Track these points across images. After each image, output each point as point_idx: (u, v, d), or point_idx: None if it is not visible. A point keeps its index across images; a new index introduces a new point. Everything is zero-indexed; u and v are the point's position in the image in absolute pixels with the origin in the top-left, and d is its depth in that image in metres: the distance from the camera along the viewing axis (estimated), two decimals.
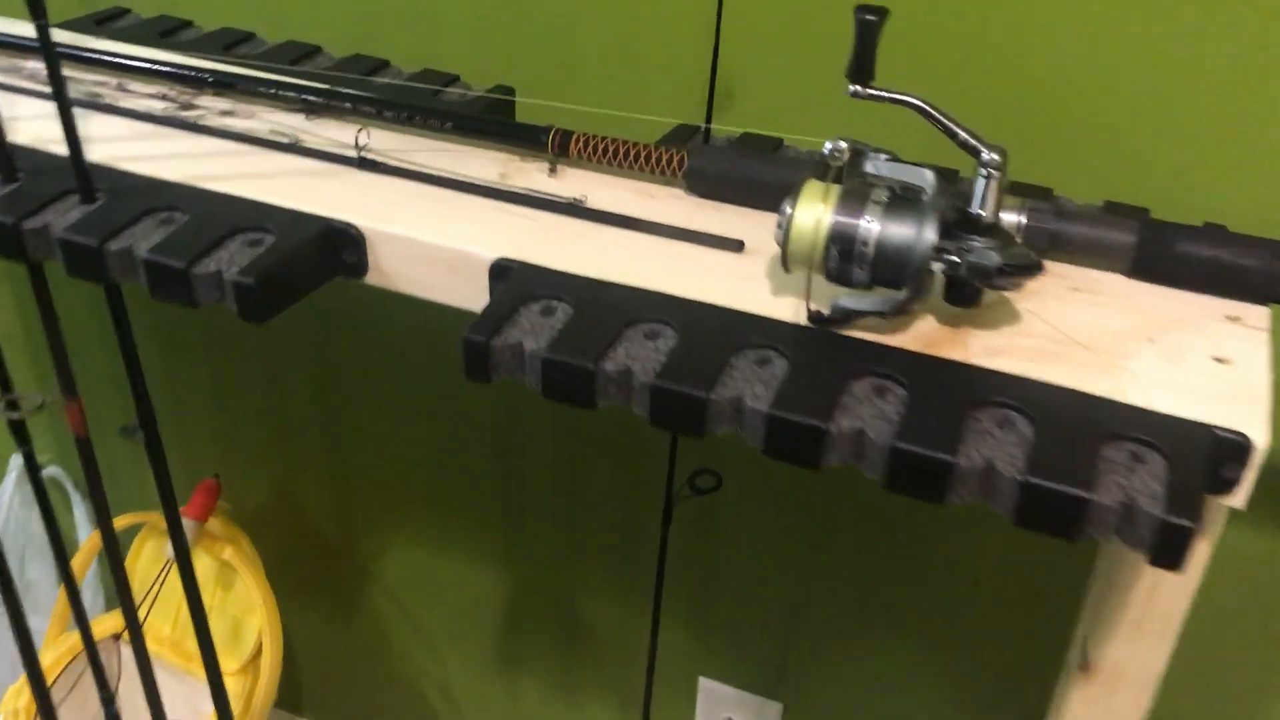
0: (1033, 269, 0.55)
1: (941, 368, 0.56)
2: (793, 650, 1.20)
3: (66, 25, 0.89)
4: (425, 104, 0.75)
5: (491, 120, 0.73)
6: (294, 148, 0.73)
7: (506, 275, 0.62)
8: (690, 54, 0.89)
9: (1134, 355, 0.57)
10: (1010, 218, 0.63)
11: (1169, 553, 0.49)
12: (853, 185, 0.56)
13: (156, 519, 1.34)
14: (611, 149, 0.69)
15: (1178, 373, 0.56)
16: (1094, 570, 0.71)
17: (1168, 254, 0.61)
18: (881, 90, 0.56)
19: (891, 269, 0.55)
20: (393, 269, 0.66)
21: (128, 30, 0.89)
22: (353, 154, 0.71)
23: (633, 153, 0.69)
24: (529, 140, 0.71)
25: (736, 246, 0.64)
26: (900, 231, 0.55)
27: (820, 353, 0.57)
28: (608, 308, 0.59)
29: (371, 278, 0.67)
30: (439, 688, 1.46)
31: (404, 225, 0.65)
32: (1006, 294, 0.61)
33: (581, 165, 0.72)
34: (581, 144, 0.70)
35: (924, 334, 0.58)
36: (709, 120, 0.74)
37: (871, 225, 0.55)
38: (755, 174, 0.67)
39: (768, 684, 1.24)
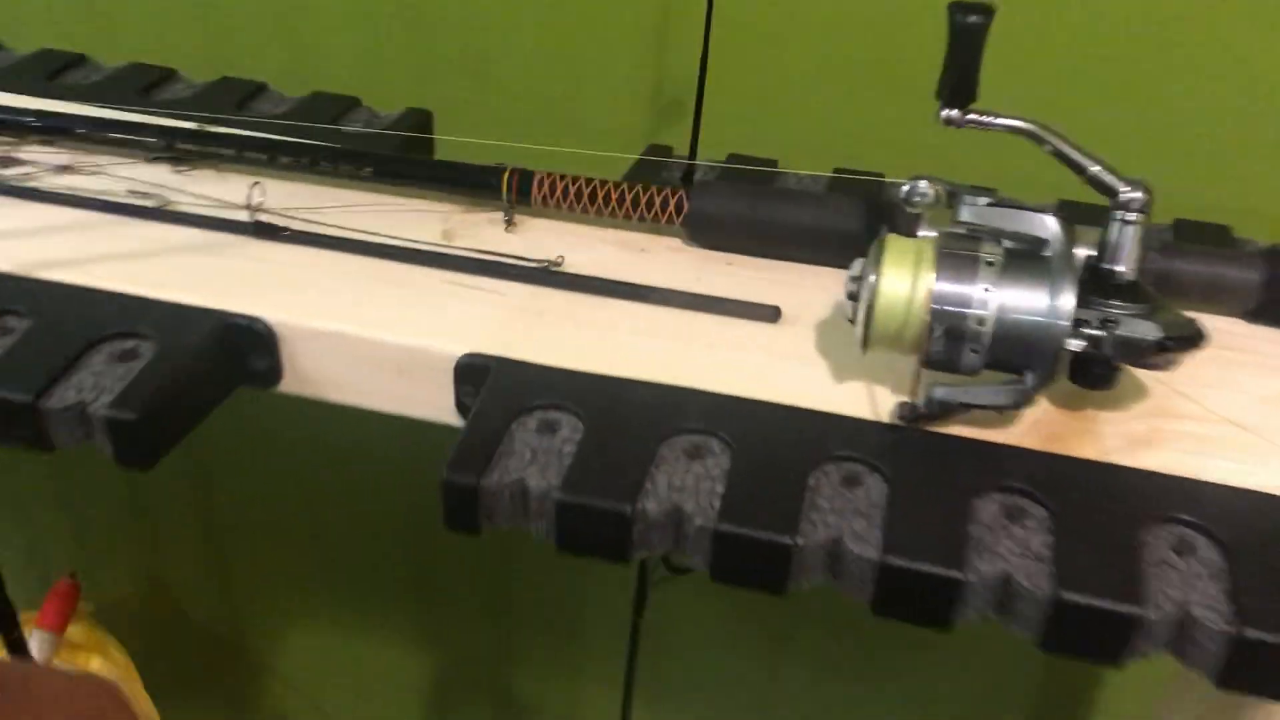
0: (1196, 340, 0.42)
1: (1080, 473, 0.43)
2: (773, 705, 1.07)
3: None
4: (332, 143, 0.58)
5: (425, 163, 0.57)
6: (163, 213, 0.55)
7: (480, 378, 0.47)
8: (632, 60, 0.74)
9: None
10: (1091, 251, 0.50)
11: None
12: (952, 241, 0.43)
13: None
14: (588, 192, 0.54)
15: None
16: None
17: None
18: (987, 115, 0.42)
19: (1016, 350, 0.42)
20: (317, 374, 0.50)
21: None
22: (245, 217, 0.54)
23: (615, 196, 0.54)
24: (477, 185, 0.56)
25: (771, 315, 0.50)
26: (1027, 301, 0.41)
27: (924, 464, 0.43)
28: (629, 418, 0.44)
29: (288, 386, 0.51)
30: None
31: (329, 315, 0.49)
32: None
33: (544, 214, 0.56)
34: (547, 187, 0.54)
35: (1042, 425, 0.45)
36: (695, 144, 0.59)
37: (988, 295, 0.41)
38: (777, 217, 0.53)
39: None
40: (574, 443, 0.43)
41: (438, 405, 0.48)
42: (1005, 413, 0.44)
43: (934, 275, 0.42)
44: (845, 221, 0.52)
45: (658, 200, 0.54)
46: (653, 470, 0.42)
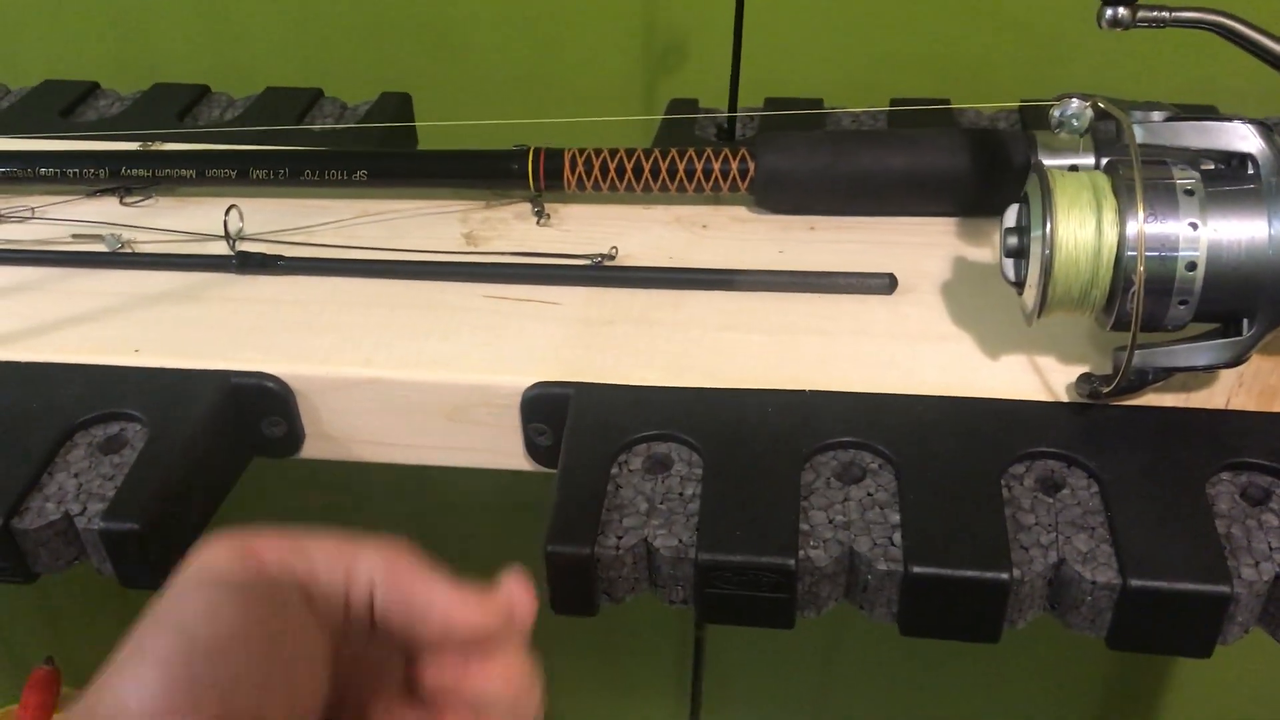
0: None
1: None
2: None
3: None
4: (313, 149, 0.48)
5: (433, 155, 0.47)
6: (122, 257, 0.45)
7: (555, 412, 0.38)
8: (616, 10, 0.65)
9: None
10: None
11: None
12: (1140, 173, 0.34)
13: None
14: (631, 165, 0.45)
15: None
16: None
17: None
18: (1163, 9, 0.34)
19: (1235, 295, 0.34)
20: (347, 432, 0.40)
21: None
22: (225, 249, 0.44)
23: (665, 166, 0.45)
24: (496, 175, 0.46)
25: (887, 285, 0.41)
26: (1244, 233, 0.33)
27: (1132, 450, 0.35)
28: (756, 440, 0.36)
29: (312, 450, 0.41)
30: None
31: (352, 359, 0.40)
32: None
33: (576, 199, 0.47)
34: (582, 166, 0.45)
35: (1249, 381, 0.37)
36: (735, 92, 0.50)
37: (1197, 232, 0.33)
38: (868, 167, 0.44)
39: None
40: (695, 481, 0.35)
41: (504, 451, 0.39)
42: (1207, 372, 0.36)
43: (1128, 215, 0.33)
44: (949, 160, 0.43)
45: (717, 164, 0.44)
46: (805, 506, 0.34)
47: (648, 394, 0.38)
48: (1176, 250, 0.33)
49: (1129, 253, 0.33)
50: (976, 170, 0.43)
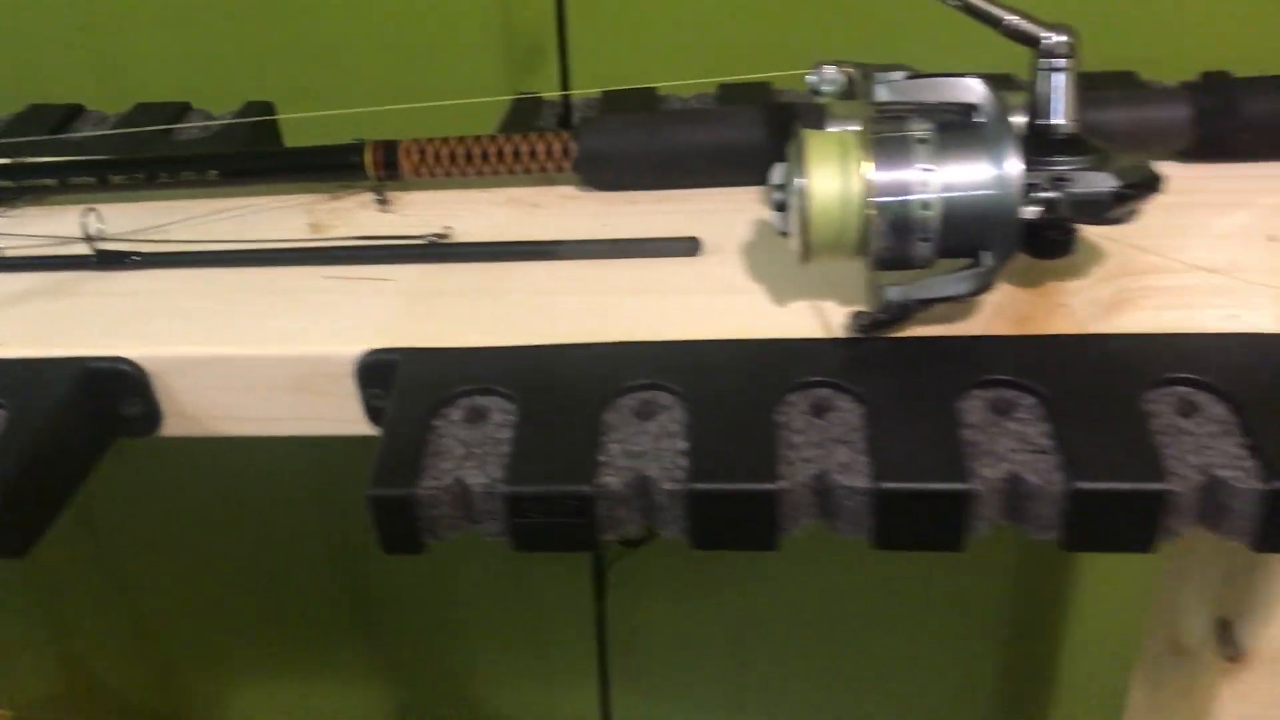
0: (1154, 183, 0.39)
1: (1060, 350, 0.40)
2: (753, 682, 1.04)
3: None
4: (167, 153, 0.51)
5: (275, 153, 0.51)
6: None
7: (388, 376, 0.41)
8: (479, 14, 0.69)
9: (1269, 266, 0.42)
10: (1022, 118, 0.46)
11: None
12: (877, 125, 0.38)
13: None
14: (463, 152, 0.48)
15: None
16: (1190, 551, 0.57)
17: (1236, 122, 0.47)
18: None
19: (969, 230, 0.38)
20: (202, 409, 0.44)
21: None
22: (85, 249, 0.47)
23: (494, 150, 0.48)
24: (337, 167, 0.50)
25: (690, 248, 0.45)
26: (971, 174, 0.37)
27: (894, 374, 0.39)
28: (564, 388, 0.40)
29: (171, 428, 0.44)
30: None
31: (201, 339, 0.43)
32: None
33: (419, 186, 0.51)
34: (417, 155, 0.49)
35: (1006, 309, 0.42)
36: (565, 78, 0.54)
37: (929, 175, 0.37)
38: (677, 143, 0.48)
39: None
40: (509, 427, 0.38)
41: (347, 417, 0.43)
42: (966, 303, 0.40)
43: (866, 165, 0.37)
44: (749, 133, 0.47)
45: (541, 147, 0.48)
46: (603, 440, 0.38)
47: (470, 354, 0.41)
48: (910, 193, 0.37)
49: (873, 198, 0.37)
50: (775, 142, 0.47)
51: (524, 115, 0.57)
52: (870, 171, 0.37)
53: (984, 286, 0.39)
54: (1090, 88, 0.50)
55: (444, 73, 0.71)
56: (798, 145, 0.39)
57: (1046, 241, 0.41)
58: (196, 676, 1.11)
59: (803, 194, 0.38)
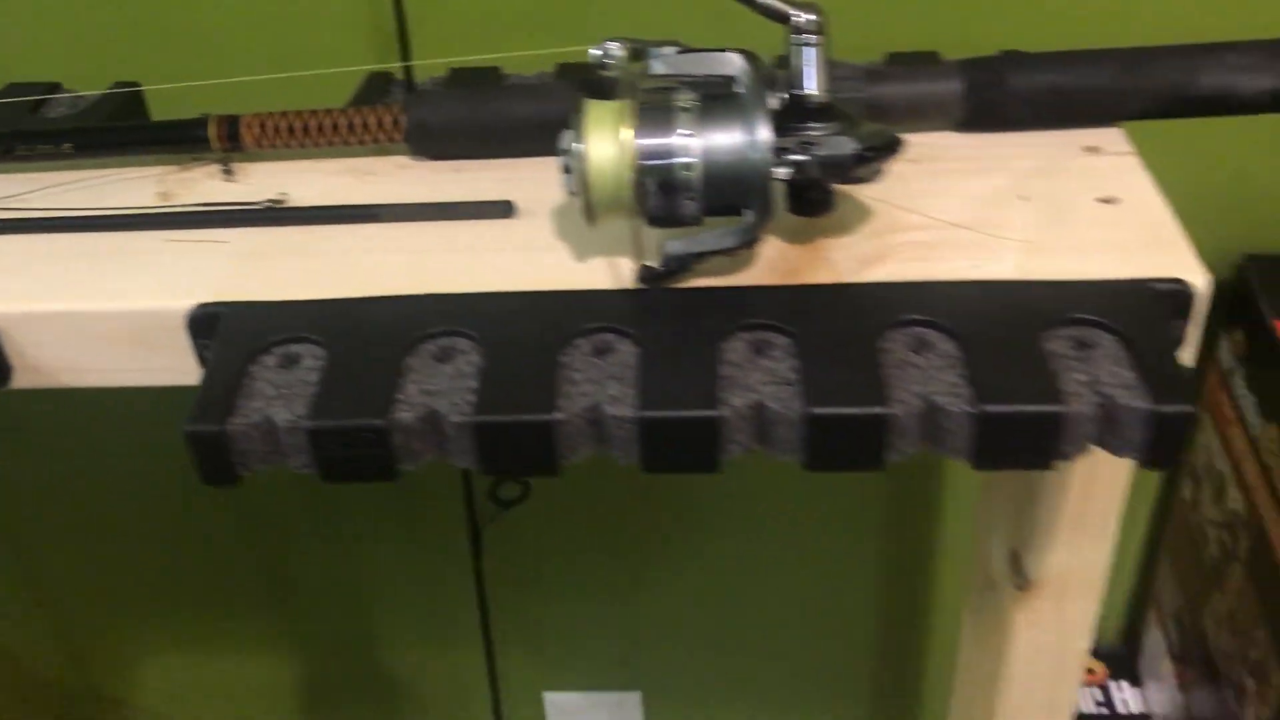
0: (894, 147, 0.43)
1: (817, 297, 0.44)
2: (642, 635, 1.08)
3: None
4: (24, 127, 0.55)
5: (126, 127, 0.54)
6: None
7: (214, 327, 0.45)
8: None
9: (1017, 222, 0.47)
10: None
11: (1164, 449, 0.40)
12: (646, 96, 0.43)
13: None
14: (300, 125, 0.52)
15: (1071, 229, 0.47)
16: (990, 483, 0.62)
17: (1004, 94, 0.51)
18: None
19: (727, 189, 0.42)
20: (50, 362, 0.47)
21: None
22: None
23: (330, 123, 0.52)
24: (184, 140, 0.53)
25: (504, 210, 0.50)
26: (727, 139, 0.42)
27: (669, 320, 0.44)
28: (371, 336, 0.44)
29: (23, 380, 0.48)
30: None
31: (47, 297, 0.47)
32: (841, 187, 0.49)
33: (264, 157, 0.54)
34: (258, 128, 0.52)
35: (778, 263, 0.46)
36: (407, 58, 0.58)
37: (689, 140, 0.42)
38: (497, 115, 0.52)
39: (621, 677, 1.12)
40: (318, 370, 0.42)
41: (182, 368, 0.46)
42: (739, 255, 0.45)
43: (635, 131, 0.42)
44: (559, 106, 0.51)
45: (374, 119, 0.52)
46: (401, 381, 0.42)
47: (288, 307, 0.45)
48: (673, 157, 0.42)
49: (640, 161, 0.42)
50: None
51: (373, 91, 0.60)
52: (634, 137, 0.42)
53: (748, 241, 0.43)
54: (894, 65, 0.55)
55: (316, 52, 0.74)
56: (579, 113, 0.43)
57: (808, 201, 0.45)
58: (105, 649, 1.13)
59: (581, 158, 0.42)
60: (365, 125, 0.52)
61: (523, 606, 1.03)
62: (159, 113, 0.62)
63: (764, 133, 0.42)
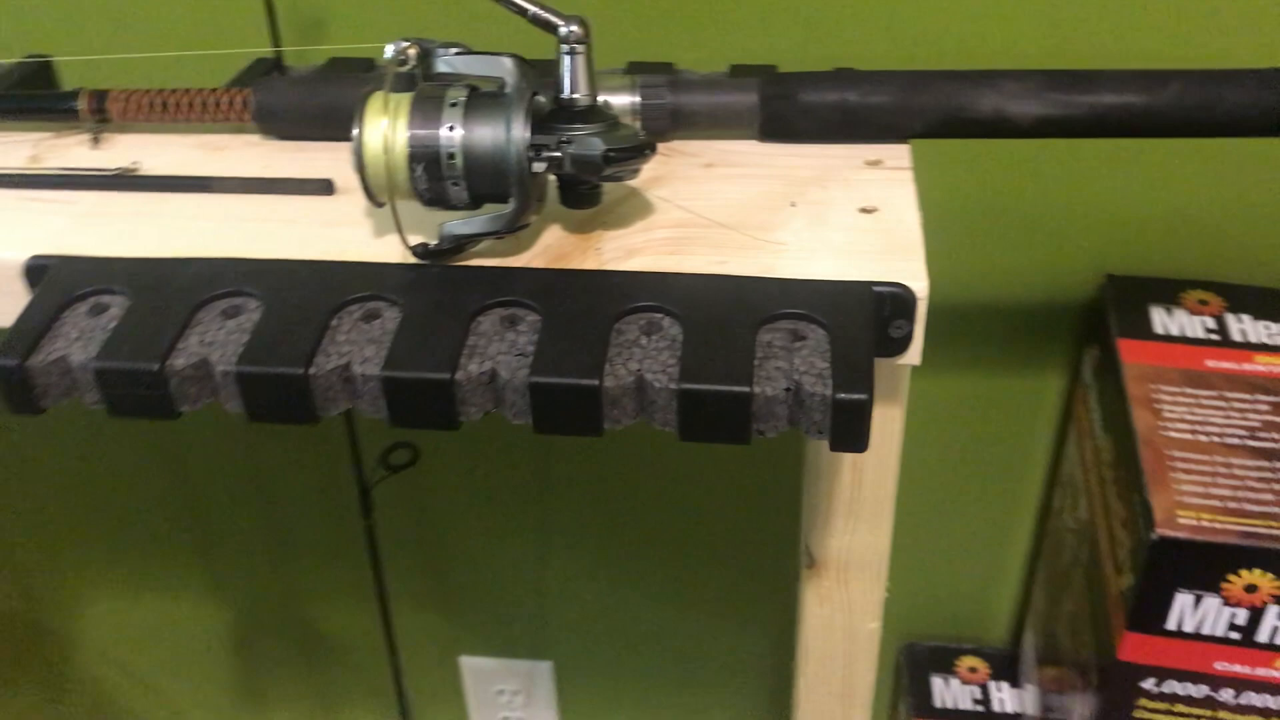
0: (642, 149, 0.48)
1: (575, 281, 0.49)
2: (548, 605, 1.13)
3: None
4: None
5: (6, 94, 0.60)
6: None
7: (43, 276, 0.51)
8: None
9: (779, 225, 0.52)
10: (622, 100, 0.56)
11: (848, 433, 0.44)
12: (423, 90, 0.48)
13: None
14: (160, 101, 0.58)
15: (826, 233, 0.51)
16: (804, 464, 0.66)
17: (794, 107, 0.56)
18: None
19: (489, 179, 0.47)
20: None
21: None
22: None
23: (187, 102, 0.58)
24: (58, 110, 0.59)
25: (324, 188, 0.55)
26: (487, 133, 0.47)
27: (435, 293, 0.48)
28: (173, 291, 0.49)
29: None
30: None
31: None
32: (633, 185, 0.54)
33: (133, 129, 0.60)
34: (124, 102, 0.58)
35: (551, 248, 0.51)
36: (277, 45, 0.63)
37: (453, 132, 0.47)
38: (334, 100, 0.57)
39: (531, 645, 1.17)
40: (118, 319, 0.48)
41: (17, 312, 0.52)
42: (511, 239, 0.50)
43: (406, 122, 0.47)
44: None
45: (225, 100, 0.58)
46: (187, 331, 0.47)
47: (108, 263, 0.51)
48: (439, 145, 0.47)
49: (410, 148, 0.47)
50: None
51: (254, 73, 0.66)
52: (404, 128, 0.47)
53: (510, 226, 0.48)
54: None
55: (225, 33, 0.79)
56: (360, 105, 0.48)
57: (576, 194, 0.50)
58: (52, 588, 1.20)
59: (360, 144, 0.47)
60: (219, 104, 0.58)
61: (431, 568, 1.08)
62: (71, 84, 0.68)
63: (519, 129, 0.46)
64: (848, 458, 0.57)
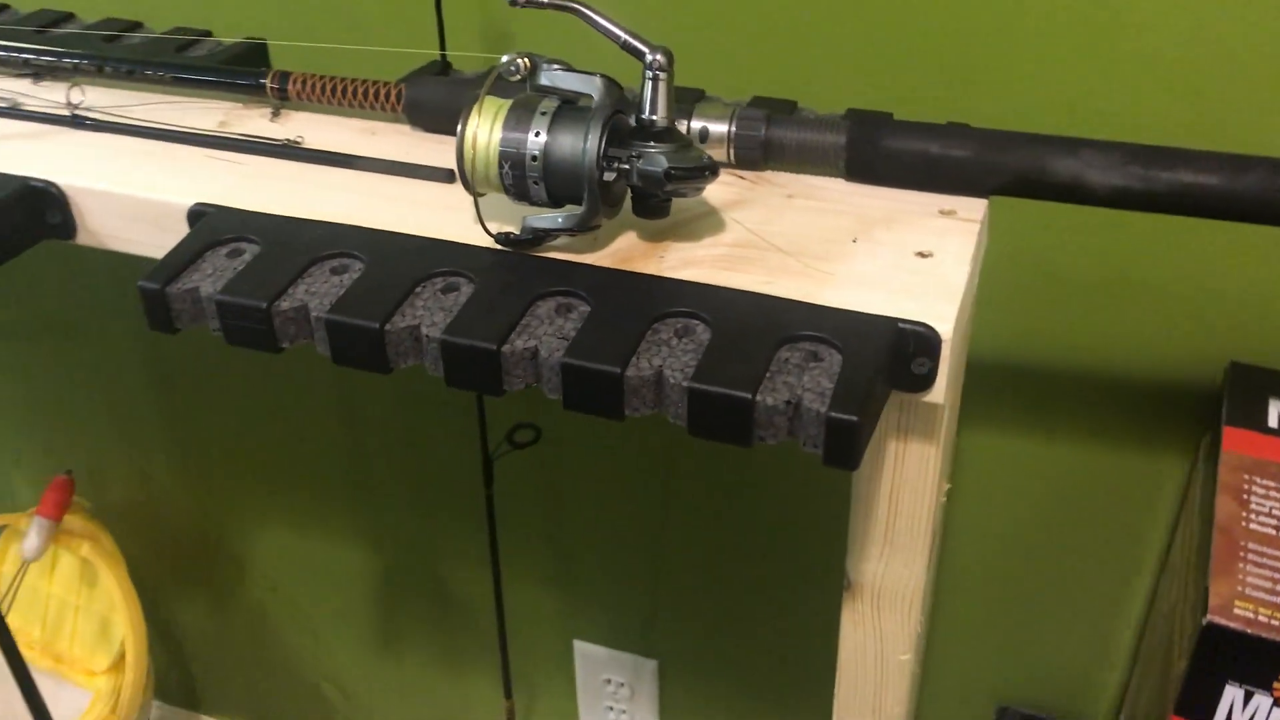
0: (703, 171, 0.53)
1: (629, 282, 0.54)
2: (662, 604, 1.18)
3: None
4: (150, 59, 0.72)
5: (207, 69, 0.70)
6: (9, 111, 0.70)
7: (200, 220, 0.60)
8: None
9: (834, 256, 0.55)
10: (719, 128, 0.60)
11: (839, 450, 0.47)
12: (522, 99, 0.54)
13: (16, 520, 1.31)
14: (329, 87, 0.67)
15: (874, 269, 0.54)
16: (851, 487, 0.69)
17: (878, 151, 0.59)
18: None
19: (564, 181, 0.53)
20: (100, 228, 0.64)
21: None
22: (65, 112, 0.68)
23: (351, 89, 0.66)
24: (247, 86, 0.69)
25: (447, 177, 0.62)
26: (567, 142, 0.53)
27: (507, 276, 0.55)
28: (297, 246, 0.57)
29: (82, 238, 0.65)
30: (326, 672, 1.44)
31: (107, 180, 0.63)
32: (714, 205, 0.59)
33: (307, 108, 0.69)
34: (300, 84, 0.67)
35: (620, 251, 0.56)
36: (443, 48, 0.72)
37: (538, 138, 0.53)
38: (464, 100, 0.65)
39: (640, 641, 1.22)
40: (247, 263, 0.56)
41: None
42: (579, 236, 0.55)
43: (502, 125, 0.53)
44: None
45: (383, 92, 0.66)
46: (299, 281, 0.55)
47: (253, 215, 0.59)
48: (525, 149, 0.53)
49: (500, 148, 0.53)
50: None
51: (424, 72, 0.74)
52: (499, 130, 0.53)
53: (581, 225, 0.54)
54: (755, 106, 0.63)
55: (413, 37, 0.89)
56: (473, 106, 0.55)
57: (647, 205, 0.55)
58: (235, 511, 1.34)
59: (462, 141, 0.54)
60: (376, 95, 0.66)
61: (557, 548, 1.15)
62: (280, 64, 0.79)
63: (594, 140, 0.52)
64: (884, 487, 0.60)
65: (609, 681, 1.26)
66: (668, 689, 1.24)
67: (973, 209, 0.59)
